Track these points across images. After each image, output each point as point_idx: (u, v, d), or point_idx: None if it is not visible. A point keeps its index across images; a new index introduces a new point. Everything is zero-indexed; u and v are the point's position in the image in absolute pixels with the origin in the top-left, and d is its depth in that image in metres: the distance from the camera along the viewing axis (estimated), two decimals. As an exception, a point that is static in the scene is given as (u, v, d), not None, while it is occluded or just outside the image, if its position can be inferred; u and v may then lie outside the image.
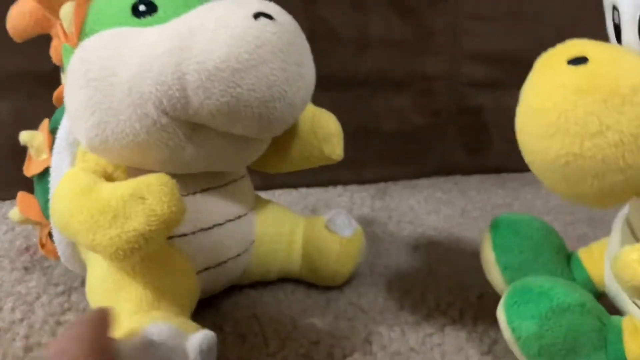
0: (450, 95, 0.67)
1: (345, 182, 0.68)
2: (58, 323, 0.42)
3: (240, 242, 0.44)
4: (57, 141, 0.42)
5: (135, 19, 0.37)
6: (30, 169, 0.45)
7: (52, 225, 0.41)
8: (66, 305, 0.44)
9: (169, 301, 0.38)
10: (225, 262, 0.43)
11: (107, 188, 0.35)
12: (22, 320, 0.42)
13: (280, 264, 0.47)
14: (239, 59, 0.33)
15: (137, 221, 0.33)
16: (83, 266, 0.43)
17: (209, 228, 0.41)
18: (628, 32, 0.31)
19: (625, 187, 0.28)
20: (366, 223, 0.58)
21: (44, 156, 0.43)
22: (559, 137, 0.28)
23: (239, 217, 0.43)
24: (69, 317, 0.43)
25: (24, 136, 0.44)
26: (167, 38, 0.35)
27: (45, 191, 0.43)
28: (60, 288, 0.46)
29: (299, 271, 0.47)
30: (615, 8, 0.32)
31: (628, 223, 0.35)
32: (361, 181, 0.68)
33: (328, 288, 0.47)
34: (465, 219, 0.60)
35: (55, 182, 0.41)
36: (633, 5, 0.30)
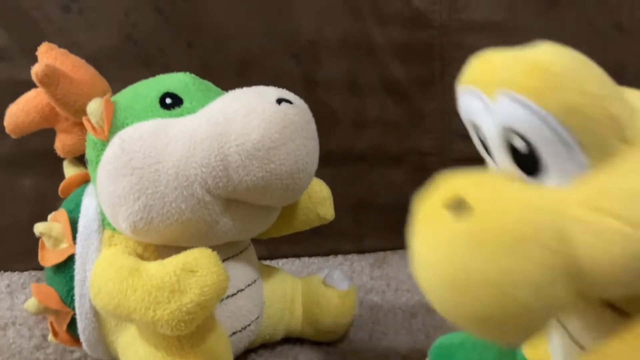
0: (442, 169, 0.68)
1: (346, 252, 0.69)
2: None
3: (258, 304, 0.46)
4: (81, 229, 0.42)
5: (164, 111, 0.40)
6: (50, 259, 0.43)
7: (98, 308, 0.40)
8: (82, 371, 0.46)
9: None
10: (249, 325, 0.45)
11: (154, 266, 0.37)
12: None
13: (286, 322, 0.49)
14: (271, 139, 0.38)
15: (193, 293, 0.35)
16: (106, 351, 0.44)
17: (234, 294, 0.44)
18: (501, 158, 0.28)
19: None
20: (365, 291, 0.60)
21: (64, 245, 0.43)
22: (468, 296, 0.24)
23: (254, 281, 0.46)
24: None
25: (41, 228, 0.43)
26: (206, 125, 0.38)
27: (67, 280, 0.43)
28: (76, 354, 0.49)
29: (300, 328, 0.49)
30: (476, 127, 0.30)
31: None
32: (361, 251, 0.69)
33: (330, 353, 0.48)
34: (460, 287, 0.62)
35: (80, 269, 0.42)
36: (498, 136, 0.27)
